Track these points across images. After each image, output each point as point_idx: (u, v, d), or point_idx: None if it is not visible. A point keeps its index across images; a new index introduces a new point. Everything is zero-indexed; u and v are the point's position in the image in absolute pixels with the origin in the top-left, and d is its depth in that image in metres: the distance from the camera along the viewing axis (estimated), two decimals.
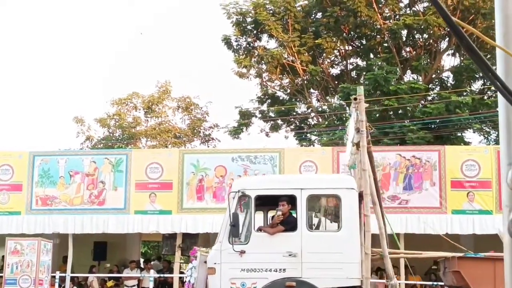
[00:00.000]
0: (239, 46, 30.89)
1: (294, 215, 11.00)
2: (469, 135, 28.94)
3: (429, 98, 28.46)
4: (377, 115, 27.34)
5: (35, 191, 19.54)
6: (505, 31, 1.94)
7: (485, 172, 18.30)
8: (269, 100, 32.09)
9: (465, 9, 27.51)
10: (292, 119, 31.89)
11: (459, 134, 27.80)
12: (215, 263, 10.65)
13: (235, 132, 31.55)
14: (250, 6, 29.71)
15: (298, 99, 31.57)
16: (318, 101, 32.13)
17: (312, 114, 31.81)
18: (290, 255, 10.52)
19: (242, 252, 10.54)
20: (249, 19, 29.93)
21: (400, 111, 26.85)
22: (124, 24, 61.33)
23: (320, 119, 30.37)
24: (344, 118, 28.04)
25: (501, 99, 1.96)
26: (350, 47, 31.10)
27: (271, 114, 31.93)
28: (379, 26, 28.53)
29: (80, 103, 56.46)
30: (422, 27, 27.66)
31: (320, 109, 31.42)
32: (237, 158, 19.57)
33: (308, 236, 10.67)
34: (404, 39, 29.36)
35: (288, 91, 31.73)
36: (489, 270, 9.15)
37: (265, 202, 11.46)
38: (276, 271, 10.52)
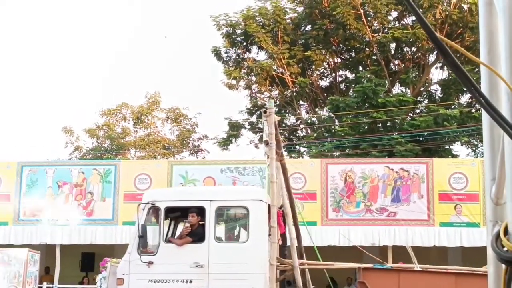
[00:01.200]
0: (228, 58, 30.97)
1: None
2: (457, 147, 29.09)
3: (418, 111, 28.60)
4: (366, 127, 27.44)
5: (23, 202, 19.46)
6: (489, 48, 1.97)
7: (472, 185, 18.40)
8: (258, 112, 32.12)
9: (453, 23, 27.71)
10: (281, 131, 31.92)
11: (447, 147, 27.94)
12: (123, 274, 10.77)
13: (224, 144, 31.56)
14: (240, 18, 29.81)
15: (287, 111, 31.64)
16: (307, 113, 32.23)
17: (301, 126, 31.89)
18: (197, 266, 10.62)
19: (150, 263, 10.63)
20: (239, 31, 30.04)
21: (388, 124, 26.97)
22: (115, 34, 61.29)
23: (309, 131, 30.44)
24: (333, 130, 28.12)
25: (485, 115, 1.99)
26: (339, 60, 31.25)
27: (260, 126, 31.96)
28: (368, 39, 28.68)
29: (69, 114, 56.33)
30: (410, 40, 27.83)
31: (309, 121, 31.51)
32: (226, 169, 19.60)
33: (215, 247, 10.79)
34: (392, 52, 29.53)
35: (277, 102, 31.78)
36: (393, 280, 9.26)
37: (176, 214, 11.57)
38: (183, 282, 10.61)
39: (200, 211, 10.98)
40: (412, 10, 1.83)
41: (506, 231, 1.88)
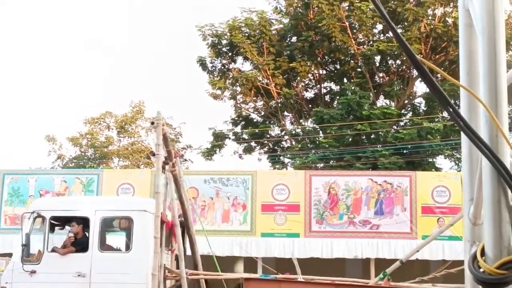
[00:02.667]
0: (214, 68, 31.01)
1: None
2: (440, 161, 29.22)
3: (402, 123, 28.74)
4: (350, 139, 27.53)
5: (4, 210, 19.32)
6: (469, 69, 1.98)
7: (455, 198, 18.48)
8: (243, 122, 32.15)
9: (438, 36, 27.91)
10: (266, 142, 31.96)
11: (431, 160, 28.08)
12: (6, 283, 10.91)
13: (208, 154, 31.52)
14: (225, 29, 29.87)
15: (271, 122, 31.69)
16: (292, 124, 32.29)
17: (286, 137, 31.92)
18: (79, 275, 10.73)
19: (33, 272, 10.73)
20: (224, 41, 30.10)
21: (372, 136, 27.07)
22: (102, 43, 61.18)
23: (294, 142, 30.49)
24: (318, 142, 28.18)
25: (464, 137, 2.00)
26: (324, 71, 31.37)
27: (245, 136, 31.98)
28: (353, 52, 28.82)
29: (52, 122, 56.06)
30: (395, 53, 28.01)
31: (293, 132, 31.56)
32: (209, 180, 19.57)
33: (98, 257, 10.93)
34: (377, 64, 29.70)
35: (262, 113, 31.84)
36: None
37: (61, 223, 11.66)
38: None
39: (85, 221, 11.14)
40: (390, 28, 1.83)
41: (483, 252, 1.89)
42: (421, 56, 28.16)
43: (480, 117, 1.87)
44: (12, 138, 56.49)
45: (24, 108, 56.87)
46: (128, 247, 11.27)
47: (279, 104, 30.36)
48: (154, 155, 10.95)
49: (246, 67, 30.73)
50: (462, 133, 1.92)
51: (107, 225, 11.68)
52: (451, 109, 1.71)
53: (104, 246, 11.40)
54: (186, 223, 11.70)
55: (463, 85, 1.94)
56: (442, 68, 29.00)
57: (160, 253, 10.61)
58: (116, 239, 12.16)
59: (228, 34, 29.69)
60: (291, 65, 28.76)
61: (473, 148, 1.86)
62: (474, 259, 1.90)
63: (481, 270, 1.86)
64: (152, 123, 10.95)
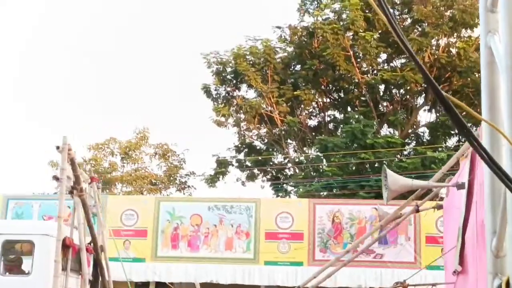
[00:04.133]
0: (218, 95, 31.12)
1: None
2: (443, 191, 29.13)
3: (405, 152, 28.76)
4: (354, 168, 27.52)
5: None
6: (491, 105, 2.02)
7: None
8: (246, 149, 32.20)
9: (442, 66, 28.04)
10: (269, 169, 31.98)
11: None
12: None
13: (212, 180, 31.52)
14: (230, 56, 30.05)
15: (275, 149, 31.72)
16: (295, 152, 32.31)
17: (289, 165, 31.93)
18: None
19: None
20: (229, 69, 30.26)
21: (376, 165, 27.06)
22: (104, 68, 61.54)
23: (297, 170, 30.49)
24: (321, 170, 28.17)
25: (486, 170, 2.03)
26: (328, 100, 31.47)
27: (248, 164, 32.01)
28: (357, 80, 28.94)
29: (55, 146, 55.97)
30: (399, 82, 28.12)
31: (297, 160, 31.57)
32: (213, 207, 19.56)
33: (1, 281, 11.06)
34: (381, 93, 29.80)
35: (266, 141, 31.90)
36: None
37: None
38: None
39: None
40: (416, 62, 1.87)
41: (508, 285, 1.91)
42: (425, 85, 28.29)
43: (502, 151, 1.90)
44: (15, 162, 56.52)
45: (27, 131, 57.03)
46: (29, 271, 11.36)
47: (283, 132, 30.43)
48: (57, 179, 10.83)
49: (250, 94, 30.89)
50: (485, 166, 1.95)
51: (9, 248, 11.80)
52: (475, 143, 1.75)
53: (6, 269, 11.57)
54: (94, 248, 11.70)
55: (487, 120, 1.97)
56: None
57: (65, 277, 10.60)
58: (16, 262, 12.28)
59: (233, 61, 29.86)
60: (295, 93, 28.87)
61: (496, 181, 1.88)
62: None
63: None
64: (58, 147, 10.77)
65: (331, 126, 31.60)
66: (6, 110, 54.67)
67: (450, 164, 8.58)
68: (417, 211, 8.55)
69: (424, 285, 9.54)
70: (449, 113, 1.85)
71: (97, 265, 11.87)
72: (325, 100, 31.28)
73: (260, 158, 31.03)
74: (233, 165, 32.14)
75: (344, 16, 28.74)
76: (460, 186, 8.32)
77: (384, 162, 26.87)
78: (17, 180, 52.01)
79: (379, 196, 24.90)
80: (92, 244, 11.61)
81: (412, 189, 8.39)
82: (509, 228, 1.86)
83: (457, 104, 2.01)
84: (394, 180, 7.83)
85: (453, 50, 28.26)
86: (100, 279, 11.63)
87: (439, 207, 8.41)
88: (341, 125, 29.69)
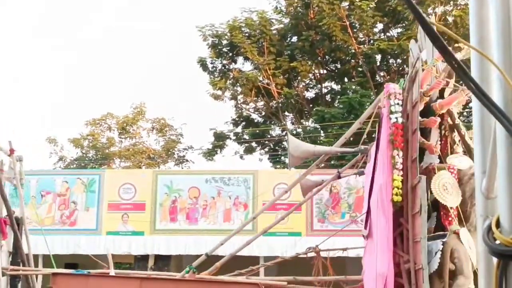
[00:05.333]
0: (214, 68, 30.95)
1: None
2: None
3: None
4: (351, 138, 27.40)
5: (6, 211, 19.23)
6: (480, 38, 1.92)
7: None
8: (243, 123, 32.11)
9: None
10: (267, 142, 31.92)
11: None
12: None
13: (209, 154, 31.49)
14: (226, 29, 29.82)
15: (272, 122, 31.64)
16: (293, 124, 32.23)
17: (286, 137, 31.84)
18: None
19: None
20: (224, 42, 30.04)
21: (373, 135, 26.95)
22: (102, 43, 61.16)
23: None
24: (319, 141, 28.11)
25: (476, 105, 1.94)
26: (325, 71, 31.31)
27: (246, 137, 31.94)
28: (353, 51, 28.77)
29: (53, 123, 56.05)
30: (396, 52, 27.94)
31: (294, 132, 31.49)
32: (210, 179, 19.52)
33: None
34: (378, 63, 29.63)
35: (263, 113, 31.80)
36: (81, 285, 9.62)
37: None
38: None
39: None
40: None
41: (498, 224, 1.82)
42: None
43: (492, 85, 1.81)
44: (13, 139, 56.33)
45: (25, 109, 56.87)
46: None
47: (280, 104, 30.31)
48: None
49: (247, 67, 30.72)
50: (474, 100, 1.86)
51: None
52: (462, 72, 1.65)
53: None
54: (10, 219, 11.73)
55: (476, 48, 1.88)
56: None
57: None
58: None
59: (229, 34, 29.64)
60: (291, 64, 28.70)
61: (485, 116, 1.80)
62: (488, 231, 1.84)
63: (497, 242, 1.80)
64: None
65: (328, 97, 31.47)
66: (6, 88, 54.45)
67: (354, 129, 8.51)
68: (339, 177, 8.44)
69: (335, 250, 9.59)
70: (434, 42, 1.75)
71: (14, 237, 11.91)
72: (322, 71, 31.12)
73: (257, 131, 30.95)
74: (230, 138, 32.10)
75: None
76: (363, 151, 8.26)
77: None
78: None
79: None
80: (8, 216, 11.64)
81: (315, 155, 8.32)
82: (500, 165, 1.76)
83: (443, 32, 1.92)
84: (296, 146, 7.77)
85: (450, 19, 28.04)
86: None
87: (361, 173, 8.32)
88: (338, 96, 29.56)
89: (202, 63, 30.66)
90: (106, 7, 61.67)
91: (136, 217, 19.02)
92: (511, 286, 1.74)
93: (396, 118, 6.50)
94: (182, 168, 35.28)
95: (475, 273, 6.08)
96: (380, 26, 29.72)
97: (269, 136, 31.88)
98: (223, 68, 30.95)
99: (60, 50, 59.51)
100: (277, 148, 32.02)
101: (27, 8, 58.73)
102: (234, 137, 32.11)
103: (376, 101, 7.15)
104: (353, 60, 29.73)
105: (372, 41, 29.17)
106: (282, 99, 29.81)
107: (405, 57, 28.45)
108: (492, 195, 1.87)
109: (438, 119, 6.81)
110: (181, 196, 19.25)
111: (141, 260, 19.57)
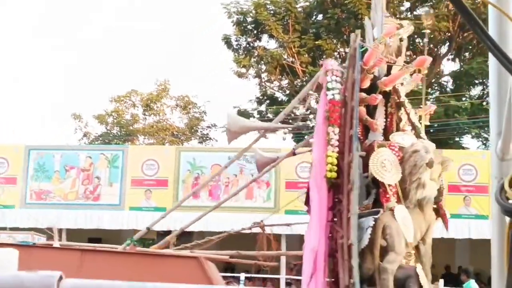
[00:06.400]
0: (239, 46, 30.81)
1: None
2: (467, 140, 28.79)
3: (428, 102, 28.39)
4: None
5: (30, 185, 19.46)
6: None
7: (482, 176, 18.21)
8: (267, 101, 32.00)
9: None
10: (290, 121, 31.78)
11: (457, 139, 27.74)
12: None
13: None
14: (251, 6, 29.63)
15: None
16: (317, 102, 32.00)
17: (311, 116, 31.66)
18: None
19: None
20: (249, 19, 29.86)
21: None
22: (127, 22, 61.25)
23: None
24: None
25: (492, 65, 1.88)
26: None
27: (269, 115, 31.84)
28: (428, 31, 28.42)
29: (78, 100, 56.34)
30: (422, 31, 27.54)
31: None
32: (233, 157, 19.48)
33: None
34: None
35: (287, 92, 31.64)
36: (24, 257, 9.53)
37: None
38: None
39: None
40: None
41: (511, 184, 1.78)
42: (449, 34, 27.77)
43: (510, 43, 1.75)
44: (39, 115, 56.94)
45: (51, 86, 57.23)
46: None
47: (304, 83, 30.10)
48: None
49: (271, 45, 30.53)
50: (491, 61, 1.81)
51: None
52: (480, 30, 1.59)
53: None
54: None
55: (494, 3, 1.81)
56: (470, 47, 28.57)
57: None
58: None
59: (253, 11, 29.45)
60: (316, 43, 28.47)
61: (502, 76, 1.74)
62: (501, 191, 1.80)
63: (510, 201, 1.75)
64: None
65: None
66: (6, 88, 54.72)
67: (292, 105, 8.44)
68: (294, 154, 8.39)
69: (279, 225, 9.63)
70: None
71: None
72: (347, 50, 30.82)
73: (281, 109, 30.78)
74: (254, 116, 32.00)
75: None
76: (301, 127, 8.24)
77: None
78: (40, 132, 52.41)
79: None
80: None
81: (254, 130, 8.30)
82: None
83: None
84: (234, 121, 7.74)
85: None
86: None
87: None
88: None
89: (227, 41, 30.55)
90: (106, 7, 61.54)
91: (159, 193, 19.11)
92: None
93: (333, 94, 6.49)
94: (206, 145, 35.34)
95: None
96: (407, 4, 29.35)
97: (293, 115, 31.74)
98: (247, 45, 30.80)
99: (60, 50, 59.63)
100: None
101: (27, 8, 58.81)
102: (258, 116, 32.03)
103: (315, 78, 7.13)
104: None
105: (398, 20, 28.80)
106: (306, 78, 29.62)
107: (431, 36, 28.12)
108: (507, 157, 1.82)
109: (379, 96, 6.83)
110: (204, 173, 19.28)
111: (163, 236, 19.60)
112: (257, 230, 9.09)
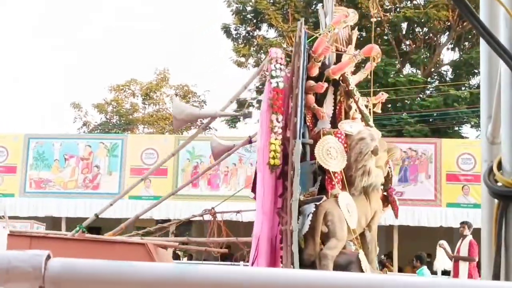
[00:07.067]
0: (238, 35, 30.76)
1: None
2: (466, 129, 28.83)
3: (428, 91, 28.39)
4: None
5: (29, 174, 19.48)
6: None
7: (481, 165, 18.21)
8: None
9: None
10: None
11: (456, 128, 27.75)
12: None
13: (232, 122, 31.47)
14: None
15: None
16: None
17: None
18: None
19: None
20: (249, 8, 29.82)
21: (398, 104, 26.78)
22: (126, 10, 61.13)
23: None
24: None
25: (482, 48, 1.89)
26: None
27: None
28: (379, 18, 28.40)
29: (78, 89, 56.31)
30: (422, 20, 27.55)
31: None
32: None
33: None
34: (404, 32, 29.26)
35: None
36: None
37: None
38: None
39: None
40: None
41: (499, 166, 1.80)
42: (449, 24, 27.72)
43: (500, 26, 1.76)
44: (38, 104, 56.92)
45: (50, 75, 57.18)
46: None
47: None
48: None
49: (271, 34, 30.47)
50: (481, 43, 1.82)
51: None
52: (468, 12, 1.60)
53: None
54: None
55: None
56: (470, 36, 28.53)
57: None
58: None
59: (253, 0, 29.41)
60: (316, 31, 28.40)
61: (492, 59, 1.76)
62: (490, 173, 1.83)
63: (498, 183, 1.78)
64: None
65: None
66: (6, 88, 54.68)
67: (238, 94, 8.52)
68: (250, 142, 8.47)
69: (230, 212, 9.76)
70: None
71: None
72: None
73: None
74: (253, 106, 31.98)
75: None
76: (246, 116, 8.34)
77: (406, 100, 26.59)
78: (39, 121, 52.44)
79: (400, 134, 24.75)
80: None
81: (200, 118, 8.38)
82: (503, 108, 1.73)
83: None
84: (180, 109, 7.79)
85: None
86: None
87: None
88: (363, 65, 29.22)
89: (226, 30, 30.51)
90: (106, 7, 61.42)
91: (158, 182, 19.13)
92: (511, 226, 1.73)
93: (277, 82, 6.55)
94: (205, 135, 35.31)
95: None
96: None
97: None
98: (247, 35, 30.75)
99: (60, 50, 59.56)
100: None
101: (27, 8, 58.70)
102: (257, 105, 31.99)
103: (261, 66, 7.21)
104: (378, 28, 29.37)
105: (398, 9, 28.78)
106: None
107: (431, 25, 28.08)
108: (497, 140, 1.84)
109: (325, 84, 6.90)
110: (203, 162, 19.30)
111: (161, 224, 19.71)
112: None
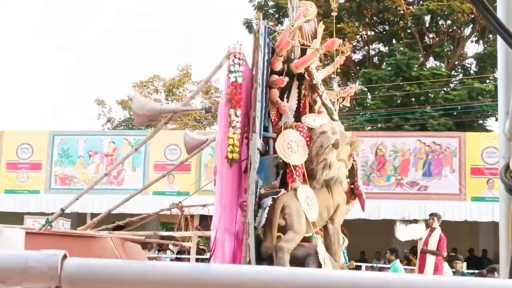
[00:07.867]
0: None
1: None
2: (490, 122, 28.54)
3: (451, 84, 28.15)
4: (399, 101, 27.10)
5: (54, 170, 19.65)
6: None
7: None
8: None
9: None
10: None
11: (481, 122, 27.49)
12: None
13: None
14: None
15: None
16: (339, 86, 31.90)
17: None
18: None
19: None
20: (270, 3, 29.78)
21: (421, 97, 26.59)
22: (148, 8, 61.32)
23: (341, 104, 30.12)
24: (366, 104, 27.83)
25: (500, 45, 1.88)
26: (373, 32, 30.81)
27: None
28: (402, 12, 28.22)
29: (102, 85, 56.58)
30: (445, 13, 27.31)
31: None
32: None
33: None
34: (427, 25, 29.02)
35: None
36: None
37: None
38: None
39: None
40: None
41: None
42: (473, 16, 27.44)
43: None
44: (62, 101, 57.34)
45: (74, 72, 57.57)
46: None
47: (326, 66, 29.99)
48: None
49: None
50: (498, 39, 1.80)
51: None
52: (486, 10, 1.58)
53: None
54: None
55: None
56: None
57: None
58: None
59: None
60: (338, 26, 28.28)
61: (510, 56, 1.74)
62: (506, 170, 1.81)
63: None
64: None
65: (375, 59, 31.01)
66: (6, 88, 55.14)
67: (200, 88, 8.48)
68: None
69: (196, 206, 9.76)
70: None
71: None
72: (369, 32, 30.63)
73: None
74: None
75: None
76: (207, 110, 8.28)
77: (430, 94, 26.40)
78: (64, 118, 52.85)
79: (424, 128, 24.57)
80: None
81: (162, 113, 8.31)
82: None
83: None
84: (141, 105, 7.74)
85: None
86: None
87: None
88: (386, 58, 29.11)
89: (248, 25, 30.50)
90: (106, 7, 61.62)
91: (182, 178, 19.19)
92: None
93: (235, 77, 6.55)
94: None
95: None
96: None
97: None
98: (268, 29, 30.64)
99: (60, 50, 59.85)
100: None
101: (27, 8, 59.05)
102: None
103: (221, 60, 7.19)
104: (401, 22, 29.18)
105: (421, 2, 28.56)
106: (328, 61, 29.49)
107: (454, 18, 27.82)
108: None
109: (286, 79, 6.93)
110: None
111: (186, 220, 19.77)
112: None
